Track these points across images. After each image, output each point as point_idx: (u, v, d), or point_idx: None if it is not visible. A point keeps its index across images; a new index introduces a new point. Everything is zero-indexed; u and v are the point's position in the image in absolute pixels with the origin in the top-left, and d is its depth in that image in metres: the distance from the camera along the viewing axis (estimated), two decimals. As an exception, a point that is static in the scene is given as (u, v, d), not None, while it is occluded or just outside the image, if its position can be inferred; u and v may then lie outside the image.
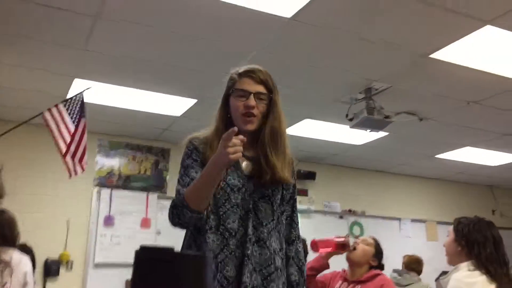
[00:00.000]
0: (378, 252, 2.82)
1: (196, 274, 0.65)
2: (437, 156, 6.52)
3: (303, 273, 1.74)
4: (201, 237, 1.62)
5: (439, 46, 3.54)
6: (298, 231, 1.81)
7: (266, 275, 1.60)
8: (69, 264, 5.28)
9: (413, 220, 7.41)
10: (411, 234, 7.33)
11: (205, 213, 1.58)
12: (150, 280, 0.64)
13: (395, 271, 4.36)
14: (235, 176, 1.66)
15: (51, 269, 5.13)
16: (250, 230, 1.60)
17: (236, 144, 1.46)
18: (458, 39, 3.41)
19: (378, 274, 2.70)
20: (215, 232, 1.60)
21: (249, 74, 1.70)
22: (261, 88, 1.69)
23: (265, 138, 1.68)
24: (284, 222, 1.75)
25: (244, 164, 1.70)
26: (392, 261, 5.09)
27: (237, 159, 1.49)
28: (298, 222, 1.82)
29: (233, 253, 1.58)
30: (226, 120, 1.72)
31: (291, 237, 1.77)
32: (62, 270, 5.23)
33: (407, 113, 4.89)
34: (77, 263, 5.32)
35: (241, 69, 1.74)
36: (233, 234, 1.59)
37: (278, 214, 1.71)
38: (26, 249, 3.36)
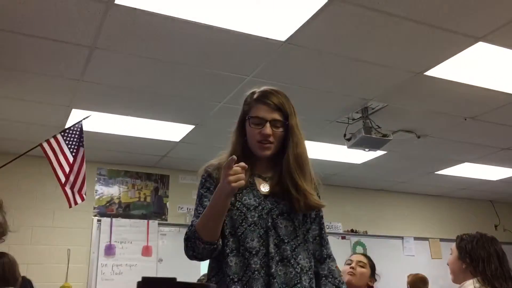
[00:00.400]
0: (373, 271, 2.82)
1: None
2: (437, 172, 6.51)
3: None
4: (223, 260, 1.60)
5: (433, 64, 3.58)
6: (329, 249, 1.76)
7: None
8: (70, 296, 5.21)
9: (416, 238, 7.36)
10: (414, 252, 7.26)
11: (219, 242, 1.57)
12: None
13: (400, 291, 4.31)
14: (251, 196, 1.65)
15: (52, 302, 5.05)
16: (271, 248, 1.57)
17: (237, 172, 1.47)
18: (451, 56, 3.45)
19: None
20: (236, 255, 1.58)
21: (264, 100, 1.69)
22: (276, 116, 1.68)
23: (291, 166, 1.66)
24: (312, 241, 1.71)
25: (261, 185, 1.69)
26: (396, 281, 5.05)
27: (239, 186, 1.49)
28: (327, 241, 1.77)
29: (256, 272, 1.54)
30: (242, 144, 1.72)
31: (323, 255, 1.72)
32: (63, 302, 5.16)
33: (405, 131, 4.90)
34: (78, 295, 5.25)
35: (257, 93, 1.74)
36: (254, 253, 1.56)
37: (303, 231, 1.67)
38: (25, 281, 3.33)
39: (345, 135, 4.50)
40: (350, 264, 2.79)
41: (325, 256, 1.73)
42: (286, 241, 1.60)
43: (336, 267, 1.74)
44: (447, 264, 2.35)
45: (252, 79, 3.70)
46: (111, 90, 3.91)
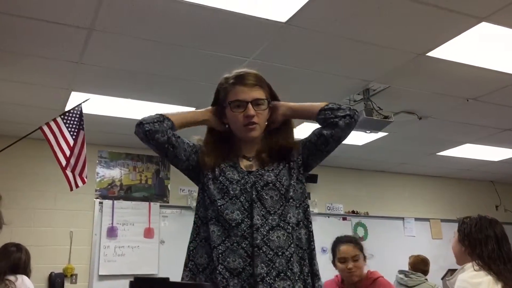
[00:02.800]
0: (363, 251, 2.72)
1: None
2: (439, 153, 6.51)
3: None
4: (204, 227, 1.62)
5: (436, 45, 3.54)
6: None
7: (289, 257, 1.54)
8: (73, 277, 5.26)
9: (417, 219, 7.39)
10: (415, 233, 7.30)
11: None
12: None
13: (401, 272, 4.33)
14: (234, 172, 1.65)
15: (55, 283, 5.10)
16: (256, 220, 1.55)
17: None
18: (454, 36, 3.41)
19: (376, 278, 2.62)
20: (215, 223, 1.58)
21: (241, 81, 1.67)
22: (256, 94, 1.66)
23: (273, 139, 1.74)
24: (314, 141, 1.79)
25: (244, 163, 1.70)
26: (397, 261, 5.08)
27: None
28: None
29: (235, 244, 1.53)
30: (226, 133, 1.74)
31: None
32: (66, 283, 5.21)
33: (406, 112, 4.88)
34: (81, 276, 5.30)
35: (231, 76, 1.71)
36: (233, 225, 1.55)
37: (287, 193, 1.64)
38: None
39: (346, 117, 4.48)
40: (344, 262, 2.69)
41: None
42: (272, 211, 1.59)
43: None
44: (452, 247, 2.37)
45: (252, 61, 3.67)
46: (110, 72, 3.89)
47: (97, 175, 5.69)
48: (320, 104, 1.74)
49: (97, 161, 5.73)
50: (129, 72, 3.90)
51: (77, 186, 3.81)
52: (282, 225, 1.57)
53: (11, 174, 5.22)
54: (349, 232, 6.82)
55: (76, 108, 3.80)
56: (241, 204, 1.58)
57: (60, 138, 3.66)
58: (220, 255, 1.53)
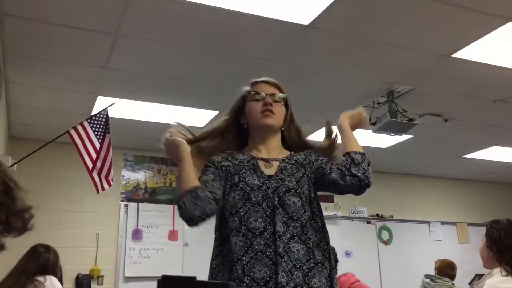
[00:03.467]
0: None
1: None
2: (465, 156, 6.40)
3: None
4: (226, 244, 1.59)
5: (461, 45, 3.49)
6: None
7: (307, 271, 1.52)
8: (100, 279, 5.35)
9: (443, 223, 7.27)
10: (441, 237, 7.19)
11: (197, 189, 1.55)
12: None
13: (427, 276, 4.27)
14: (254, 177, 1.64)
15: (82, 284, 5.19)
16: (278, 227, 1.53)
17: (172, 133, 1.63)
18: (480, 37, 3.36)
19: (352, 286, 2.51)
20: (236, 235, 1.55)
21: (262, 80, 1.79)
22: (275, 90, 1.76)
23: (292, 136, 1.84)
24: (328, 172, 1.69)
25: (263, 165, 1.70)
26: (423, 266, 5.01)
27: (173, 140, 1.68)
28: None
29: (259, 253, 1.51)
30: (235, 131, 1.79)
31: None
32: (93, 285, 5.29)
33: (431, 114, 4.82)
34: (107, 277, 5.38)
35: (253, 80, 1.83)
36: (257, 233, 1.53)
37: (307, 206, 1.64)
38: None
39: (370, 119, 4.45)
40: None
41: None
42: (295, 218, 1.58)
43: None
44: (480, 251, 2.33)
45: (275, 64, 3.68)
46: (135, 77, 3.95)
47: (123, 178, 5.78)
48: (356, 147, 1.80)
49: (122, 164, 5.81)
50: (154, 76, 3.95)
51: (103, 189, 3.87)
52: (303, 239, 1.56)
53: (39, 177, 5.34)
54: (374, 236, 6.77)
55: (102, 112, 3.86)
56: (264, 211, 1.57)
57: (87, 142, 3.72)
58: (245, 266, 1.50)
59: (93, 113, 4.17)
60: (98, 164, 3.77)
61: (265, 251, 1.51)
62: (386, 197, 7.09)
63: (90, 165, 3.78)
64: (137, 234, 5.57)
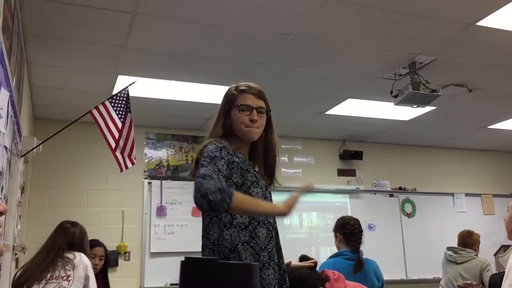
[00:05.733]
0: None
1: (242, 282, 0.65)
2: (490, 127, 6.28)
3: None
4: (244, 232, 1.79)
5: (486, 13, 3.38)
6: None
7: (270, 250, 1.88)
8: (126, 254, 5.48)
9: (468, 195, 7.20)
10: (465, 208, 7.12)
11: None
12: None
13: (449, 248, 4.25)
14: (260, 177, 1.94)
15: (110, 260, 5.32)
16: (276, 224, 1.94)
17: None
18: (505, 4, 3.25)
19: None
20: (262, 226, 1.82)
21: (250, 90, 1.95)
22: (261, 103, 1.95)
23: (275, 151, 2.02)
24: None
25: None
26: (447, 238, 4.98)
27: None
28: None
29: (273, 242, 1.84)
30: (226, 129, 1.96)
31: None
32: (120, 260, 5.44)
33: (455, 85, 4.72)
34: (134, 253, 5.51)
35: (240, 86, 1.99)
36: (271, 228, 1.85)
37: None
38: (98, 243, 3.55)
39: (391, 92, 4.38)
40: None
41: None
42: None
43: None
44: (504, 220, 2.29)
45: (294, 38, 3.63)
46: (154, 55, 3.95)
47: (145, 156, 5.85)
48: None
49: (145, 143, 5.88)
50: (173, 54, 3.95)
51: (126, 167, 3.92)
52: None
53: (64, 157, 5.45)
54: (397, 209, 6.75)
55: (123, 91, 3.88)
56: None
57: (109, 121, 3.76)
58: (270, 253, 1.80)
59: (114, 92, 4.20)
60: (121, 143, 3.81)
61: (274, 241, 1.87)
62: (409, 170, 7.03)
63: (113, 144, 3.82)
64: (161, 211, 5.66)
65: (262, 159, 1.98)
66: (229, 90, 2.03)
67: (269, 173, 1.99)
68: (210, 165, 1.68)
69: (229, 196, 1.60)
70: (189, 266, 0.64)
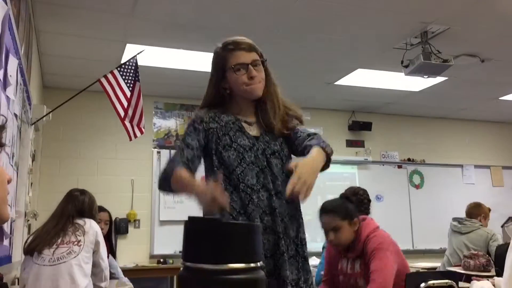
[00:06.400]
0: (349, 214, 2.44)
1: (243, 242, 0.65)
2: (502, 98, 6.20)
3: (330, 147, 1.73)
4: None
5: (501, -20, 3.30)
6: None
7: (288, 223, 1.71)
8: (136, 222, 5.57)
9: (477, 166, 7.17)
10: (474, 180, 7.11)
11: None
12: (199, 249, 0.65)
13: (455, 219, 4.26)
14: (244, 138, 1.77)
15: (120, 227, 5.43)
16: (270, 185, 1.70)
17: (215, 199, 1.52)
18: (522, -30, 3.16)
19: (367, 237, 2.38)
20: (237, 191, 1.69)
21: (239, 46, 1.78)
22: (254, 56, 1.78)
23: (268, 105, 1.80)
24: (299, 136, 1.79)
25: (248, 128, 1.80)
26: (455, 210, 4.99)
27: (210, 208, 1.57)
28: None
29: (258, 206, 1.68)
30: (220, 97, 1.83)
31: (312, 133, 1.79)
32: (130, 228, 5.53)
33: (467, 55, 4.64)
34: (143, 221, 5.60)
35: (227, 44, 1.81)
36: (255, 189, 1.69)
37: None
38: (103, 208, 3.62)
39: (402, 62, 4.32)
40: (325, 233, 2.46)
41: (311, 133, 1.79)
42: (279, 178, 1.73)
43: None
44: None
45: (301, 3, 3.57)
46: (162, 23, 3.92)
47: (154, 125, 5.87)
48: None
49: (153, 112, 5.89)
50: (181, 23, 3.91)
51: (135, 136, 3.94)
52: (282, 197, 1.71)
53: (74, 125, 5.48)
54: (405, 181, 6.75)
55: (131, 60, 3.87)
56: (256, 170, 1.72)
57: (118, 90, 3.77)
58: (249, 218, 1.66)
59: (123, 61, 4.19)
60: (130, 112, 3.82)
61: (261, 206, 1.68)
62: (418, 141, 7.01)
63: (122, 113, 3.84)
64: (170, 180, 5.71)
65: (270, 112, 1.80)
66: (216, 52, 1.85)
67: (268, 123, 1.79)
68: (177, 148, 1.77)
69: (168, 175, 1.66)
70: (193, 225, 0.65)
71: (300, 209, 1.80)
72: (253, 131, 1.80)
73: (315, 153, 1.62)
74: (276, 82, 1.85)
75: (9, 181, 0.90)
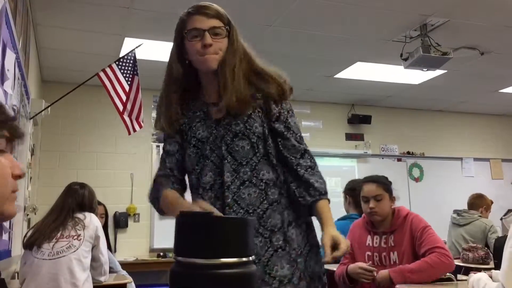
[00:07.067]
0: (390, 191, 2.55)
1: (235, 236, 0.65)
2: (501, 91, 6.19)
3: (325, 183, 1.55)
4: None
5: (501, -28, 3.28)
6: (306, 146, 1.58)
7: (261, 213, 1.47)
8: (136, 216, 5.58)
9: (476, 159, 7.18)
10: (474, 173, 7.12)
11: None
12: (190, 244, 0.65)
13: (455, 211, 4.28)
14: (204, 128, 1.56)
15: (120, 221, 5.44)
16: (226, 177, 1.48)
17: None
18: (522, -38, 3.15)
19: (405, 215, 2.48)
20: (195, 192, 1.55)
21: (199, 10, 1.56)
22: (215, 23, 1.54)
23: (222, 76, 1.52)
24: (279, 145, 1.55)
25: (214, 111, 1.57)
26: (455, 202, 5.00)
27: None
28: (301, 141, 1.59)
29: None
30: (185, 68, 1.60)
31: (302, 149, 1.56)
32: (130, 222, 5.54)
33: (467, 47, 4.63)
34: (143, 215, 5.61)
35: (190, 8, 1.59)
36: (207, 188, 1.50)
37: (261, 144, 1.53)
38: (98, 202, 3.63)
39: (401, 55, 4.31)
40: (366, 201, 2.53)
41: (301, 151, 1.55)
42: (244, 163, 1.50)
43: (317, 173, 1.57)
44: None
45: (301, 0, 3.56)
46: (161, 17, 3.90)
47: (153, 119, 5.85)
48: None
49: (152, 106, 5.87)
50: (179, 16, 3.89)
51: (134, 130, 3.94)
52: (254, 182, 1.49)
53: (73, 119, 5.48)
54: (404, 174, 6.76)
55: (130, 54, 3.86)
56: (212, 164, 1.52)
57: (116, 84, 3.76)
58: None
59: (121, 55, 4.18)
60: (128, 106, 3.82)
61: (214, 204, 1.45)
62: (418, 134, 7.01)
63: (121, 107, 3.83)
64: (169, 174, 5.71)
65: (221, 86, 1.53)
66: (180, 16, 1.62)
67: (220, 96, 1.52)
68: (161, 158, 1.66)
69: (155, 204, 1.61)
70: (184, 219, 0.65)
71: (287, 192, 1.54)
72: (218, 113, 1.55)
73: (330, 217, 1.48)
74: (246, 53, 1.60)
75: (20, 176, 0.88)
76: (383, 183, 2.58)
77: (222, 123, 1.54)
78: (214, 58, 1.52)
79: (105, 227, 3.74)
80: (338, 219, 3.21)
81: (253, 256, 0.69)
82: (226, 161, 1.50)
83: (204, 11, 1.55)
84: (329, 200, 1.53)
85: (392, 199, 2.55)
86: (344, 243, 1.39)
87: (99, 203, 3.67)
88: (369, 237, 2.56)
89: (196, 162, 1.55)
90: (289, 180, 1.54)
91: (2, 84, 2.05)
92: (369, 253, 2.52)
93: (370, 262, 2.48)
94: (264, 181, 1.50)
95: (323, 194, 1.51)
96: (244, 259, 0.66)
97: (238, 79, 1.52)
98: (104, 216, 3.72)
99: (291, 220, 1.52)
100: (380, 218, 2.50)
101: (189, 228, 0.66)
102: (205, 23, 1.53)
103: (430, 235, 2.38)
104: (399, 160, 6.88)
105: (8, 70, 2.13)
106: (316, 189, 1.50)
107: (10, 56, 2.22)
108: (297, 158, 1.55)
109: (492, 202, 4.36)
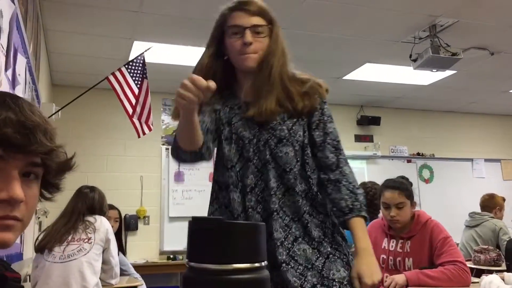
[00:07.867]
0: (411, 198, 2.48)
1: (247, 241, 0.65)
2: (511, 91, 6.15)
3: (357, 195, 1.47)
4: (222, 192, 1.52)
5: (511, -28, 3.26)
6: (341, 155, 1.55)
7: (306, 223, 1.45)
8: (146, 219, 5.60)
9: (487, 160, 7.12)
10: (484, 174, 7.06)
11: (202, 149, 1.46)
12: (203, 249, 0.65)
13: (469, 214, 4.24)
14: (246, 128, 1.50)
15: (130, 224, 5.47)
16: (272, 183, 1.44)
17: (186, 88, 1.31)
18: (532, -38, 3.12)
19: (425, 222, 2.44)
20: (234, 191, 1.47)
21: (241, 6, 1.49)
22: (257, 21, 1.47)
23: (258, 80, 1.48)
24: (317, 152, 1.53)
25: (249, 111, 1.50)
26: (465, 203, 4.97)
27: (185, 107, 1.35)
28: (338, 147, 1.57)
29: (250, 209, 1.44)
30: (218, 67, 1.54)
31: (334, 161, 1.51)
32: (140, 224, 5.57)
33: (477, 48, 4.60)
34: (153, 218, 5.63)
35: (232, 2, 1.52)
36: (248, 190, 1.45)
37: (300, 154, 1.50)
38: (112, 206, 3.64)
39: (411, 56, 4.30)
40: (387, 208, 2.47)
41: (336, 162, 1.51)
42: (288, 169, 1.46)
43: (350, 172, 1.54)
44: None
45: (311, 0, 3.56)
46: (169, 20, 3.92)
47: (162, 122, 5.89)
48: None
49: (162, 109, 5.90)
50: (188, 19, 3.91)
51: (144, 133, 3.96)
52: (297, 190, 1.46)
53: (83, 123, 5.51)
54: (414, 175, 6.73)
55: (139, 58, 3.88)
56: (254, 167, 1.47)
57: (126, 87, 3.78)
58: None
59: (130, 58, 4.20)
60: (138, 109, 3.84)
61: (256, 208, 1.44)
62: (428, 136, 6.97)
63: (130, 110, 3.85)
64: (179, 177, 5.74)
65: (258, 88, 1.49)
66: (221, 10, 1.56)
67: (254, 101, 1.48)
68: None
69: (173, 147, 1.51)
70: (196, 225, 0.65)
71: (318, 206, 1.50)
72: (258, 117, 1.49)
73: (358, 239, 1.43)
74: (284, 54, 1.56)
75: (7, 200, 0.73)
76: (405, 189, 2.49)
77: (266, 126, 1.49)
78: (252, 59, 1.47)
79: (119, 231, 3.75)
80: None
81: (265, 262, 0.69)
82: (270, 166, 1.47)
83: (246, 7, 1.48)
84: (360, 216, 1.45)
85: (413, 204, 2.48)
86: (369, 278, 1.37)
87: (114, 208, 3.69)
88: (385, 240, 2.53)
89: (236, 159, 1.49)
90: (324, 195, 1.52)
91: (14, 88, 2.07)
92: (384, 256, 2.50)
93: (384, 265, 2.46)
94: (300, 190, 1.48)
95: (346, 214, 1.45)
96: (256, 264, 0.66)
97: (276, 83, 1.48)
98: (119, 220, 3.74)
99: (333, 229, 1.49)
100: (401, 225, 2.47)
101: (201, 233, 0.66)
102: (247, 20, 1.47)
103: (451, 247, 2.33)
104: (408, 161, 6.84)
105: (19, 74, 2.15)
106: (340, 209, 1.46)
107: (21, 61, 2.24)
108: (327, 172, 1.51)
109: (504, 200, 4.32)
